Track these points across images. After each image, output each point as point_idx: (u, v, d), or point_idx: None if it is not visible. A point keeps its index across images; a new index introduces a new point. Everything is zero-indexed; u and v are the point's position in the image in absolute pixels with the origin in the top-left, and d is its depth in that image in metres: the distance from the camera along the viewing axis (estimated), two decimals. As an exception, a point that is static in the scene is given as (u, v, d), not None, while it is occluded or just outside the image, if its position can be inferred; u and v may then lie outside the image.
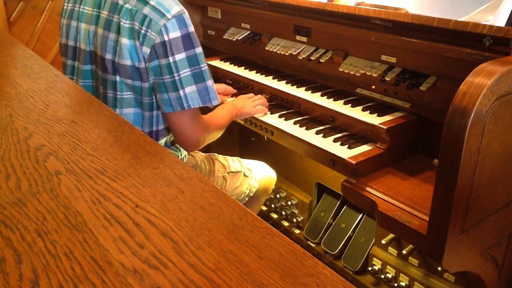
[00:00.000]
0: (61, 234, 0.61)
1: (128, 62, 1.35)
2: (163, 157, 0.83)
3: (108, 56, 1.40)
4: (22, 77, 1.22)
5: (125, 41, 1.34)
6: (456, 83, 1.10)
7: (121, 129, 0.93)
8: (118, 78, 1.39)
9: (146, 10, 1.32)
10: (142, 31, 1.32)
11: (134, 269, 0.54)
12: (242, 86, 2.04)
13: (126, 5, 1.35)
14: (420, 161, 1.52)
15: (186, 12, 1.35)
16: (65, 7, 1.56)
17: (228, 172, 1.77)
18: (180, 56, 1.33)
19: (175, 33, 1.32)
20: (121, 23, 1.34)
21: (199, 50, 1.37)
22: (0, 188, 0.71)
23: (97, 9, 1.44)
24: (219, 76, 2.20)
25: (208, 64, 2.18)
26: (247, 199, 1.86)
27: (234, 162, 1.82)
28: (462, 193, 1.08)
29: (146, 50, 1.33)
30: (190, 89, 1.37)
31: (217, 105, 1.66)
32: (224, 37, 2.23)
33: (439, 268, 1.54)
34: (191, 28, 1.35)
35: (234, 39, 2.17)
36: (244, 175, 1.82)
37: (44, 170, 0.76)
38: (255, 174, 1.86)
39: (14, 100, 1.06)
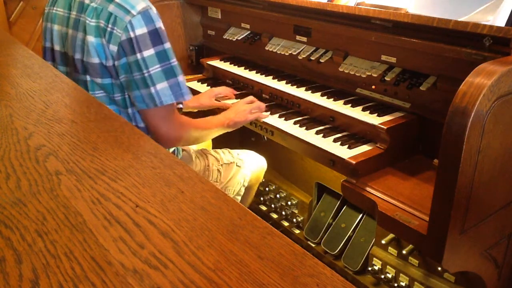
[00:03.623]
0: (61, 234, 0.61)
1: (96, 60, 1.35)
2: (163, 157, 0.83)
3: (77, 55, 1.39)
4: (22, 77, 1.22)
5: (91, 39, 1.33)
6: (456, 83, 1.10)
7: (121, 129, 0.93)
8: (88, 77, 1.39)
9: (111, 7, 1.31)
10: (108, 29, 1.31)
11: (134, 269, 0.54)
12: (242, 86, 2.04)
13: (92, 4, 1.35)
14: (420, 161, 1.52)
15: (153, 8, 1.34)
16: (45, 10, 1.57)
17: (221, 165, 1.78)
18: (149, 53, 1.32)
19: (141, 30, 1.30)
20: (87, 21, 1.34)
21: (168, 45, 1.36)
22: (0, 188, 0.71)
23: (67, 11, 1.44)
24: (219, 76, 2.20)
25: (208, 64, 2.21)
26: (243, 189, 1.87)
27: (225, 154, 1.84)
28: (462, 193, 1.08)
29: (113, 48, 1.32)
30: (161, 86, 1.35)
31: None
32: (224, 37, 2.23)
33: (439, 268, 1.54)
34: (159, 24, 1.34)
35: (234, 39, 2.17)
36: (237, 166, 1.84)
37: (44, 170, 0.76)
38: (247, 164, 1.88)
39: (14, 100, 1.06)
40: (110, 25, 1.31)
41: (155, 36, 1.32)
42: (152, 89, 1.35)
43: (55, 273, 0.54)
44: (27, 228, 0.62)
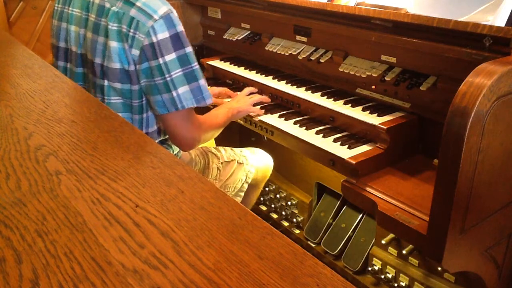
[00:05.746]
0: (61, 234, 0.61)
1: (117, 65, 1.34)
2: (163, 157, 0.83)
3: (98, 60, 1.39)
4: (22, 77, 1.22)
5: (113, 44, 1.33)
6: (456, 83, 1.10)
7: (121, 129, 0.93)
8: (106, 82, 1.38)
9: (133, 12, 1.31)
10: (130, 34, 1.31)
11: (134, 269, 0.54)
12: (242, 86, 2.03)
13: (113, 8, 1.34)
14: (420, 161, 1.52)
15: (174, 11, 1.34)
16: (55, 7, 1.55)
17: (221, 163, 1.79)
18: (170, 57, 1.32)
19: (163, 34, 1.30)
20: (109, 26, 1.33)
21: (189, 49, 1.36)
22: (0, 188, 0.71)
23: (85, 12, 1.43)
24: (219, 76, 2.20)
25: (208, 64, 2.21)
26: (246, 185, 1.86)
27: (226, 152, 1.84)
28: (462, 193, 1.08)
29: (136, 52, 1.32)
30: (183, 89, 1.35)
31: (213, 104, 1.65)
32: (224, 37, 2.23)
33: (439, 268, 1.54)
34: (180, 28, 1.34)
35: (234, 39, 2.17)
36: (238, 163, 1.83)
37: (44, 170, 0.76)
38: (251, 161, 1.87)
39: (14, 100, 1.06)
40: (132, 30, 1.30)
41: (176, 40, 1.32)
42: (174, 93, 1.34)
43: (55, 273, 0.54)
44: (27, 228, 0.62)
